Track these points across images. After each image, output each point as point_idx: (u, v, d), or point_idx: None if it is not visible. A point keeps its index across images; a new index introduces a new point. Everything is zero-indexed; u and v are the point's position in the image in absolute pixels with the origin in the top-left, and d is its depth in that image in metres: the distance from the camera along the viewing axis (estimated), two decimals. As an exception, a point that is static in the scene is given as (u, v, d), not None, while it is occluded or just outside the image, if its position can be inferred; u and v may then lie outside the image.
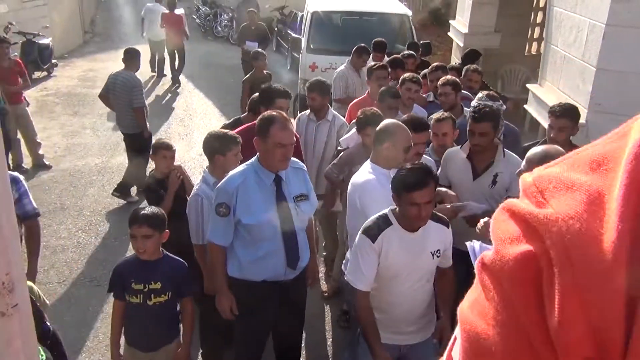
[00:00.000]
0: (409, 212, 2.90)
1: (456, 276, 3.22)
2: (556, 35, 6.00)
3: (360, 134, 4.35)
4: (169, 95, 12.02)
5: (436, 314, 3.32)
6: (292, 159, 3.44)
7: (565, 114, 4.09)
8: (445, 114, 4.41)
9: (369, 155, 4.18)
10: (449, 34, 11.79)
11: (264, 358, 3.71)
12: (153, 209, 3.31)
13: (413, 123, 3.95)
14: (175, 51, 12.47)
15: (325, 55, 9.09)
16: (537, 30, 11.06)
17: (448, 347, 0.64)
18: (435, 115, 4.40)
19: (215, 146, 3.78)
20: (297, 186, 3.46)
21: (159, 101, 11.47)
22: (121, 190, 7.02)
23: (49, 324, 3.10)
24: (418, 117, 4.20)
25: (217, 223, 3.33)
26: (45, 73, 12.73)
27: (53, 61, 13.04)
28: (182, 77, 13.17)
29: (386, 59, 7.46)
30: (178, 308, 3.40)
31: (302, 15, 11.72)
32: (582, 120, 5.13)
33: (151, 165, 5.17)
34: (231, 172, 3.38)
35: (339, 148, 4.79)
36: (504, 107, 5.11)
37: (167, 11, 12.10)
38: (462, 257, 3.13)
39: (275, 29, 15.93)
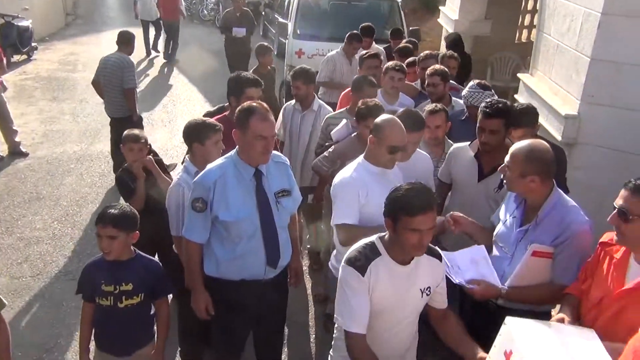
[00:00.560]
0: (408, 240, 2.42)
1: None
2: (549, 23, 5.84)
3: (360, 125, 4.17)
4: (152, 80, 11.74)
5: None
6: (274, 152, 3.26)
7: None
8: (439, 105, 4.22)
9: (363, 149, 4.02)
10: (438, 20, 11.60)
11: (244, 356, 3.56)
12: (124, 208, 3.10)
13: (408, 120, 3.76)
14: (170, 31, 12.79)
15: (311, 41, 8.87)
16: (527, 17, 10.93)
17: None
18: (428, 107, 4.18)
19: (193, 134, 3.64)
20: (278, 181, 3.29)
21: (141, 86, 11.18)
22: None
23: None
24: (415, 113, 4.00)
25: (193, 219, 3.15)
26: (24, 56, 12.42)
27: (33, 44, 12.71)
28: (165, 63, 12.90)
29: (375, 46, 7.32)
30: (153, 310, 3.22)
31: (289, 0, 11.46)
32: (574, 112, 5.01)
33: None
34: (209, 165, 3.20)
35: (328, 142, 4.60)
36: (495, 97, 4.96)
37: None
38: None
39: (262, 13, 15.65)
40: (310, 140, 5.09)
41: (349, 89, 5.58)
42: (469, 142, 3.77)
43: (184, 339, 4.10)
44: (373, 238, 2.60)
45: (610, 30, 4.71)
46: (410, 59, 6.11)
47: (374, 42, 7.44)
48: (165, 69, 12.47)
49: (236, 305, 3.27)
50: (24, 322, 4.59)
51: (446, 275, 2.79)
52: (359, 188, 3.20)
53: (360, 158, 3.35)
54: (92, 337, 3.24)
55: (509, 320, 2.32)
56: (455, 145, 3.89)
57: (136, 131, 4.29)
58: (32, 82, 11.10)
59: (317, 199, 4.87)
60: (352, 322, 2.50)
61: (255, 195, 3.17)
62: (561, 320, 2.52)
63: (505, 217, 3.06)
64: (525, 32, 11.08)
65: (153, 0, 13.00)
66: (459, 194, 3.75)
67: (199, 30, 15.79)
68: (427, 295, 2.64)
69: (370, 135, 3.27)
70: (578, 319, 2.58)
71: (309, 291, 5.09)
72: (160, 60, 13.18)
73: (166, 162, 6.36)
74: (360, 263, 2.49)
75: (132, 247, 3.15)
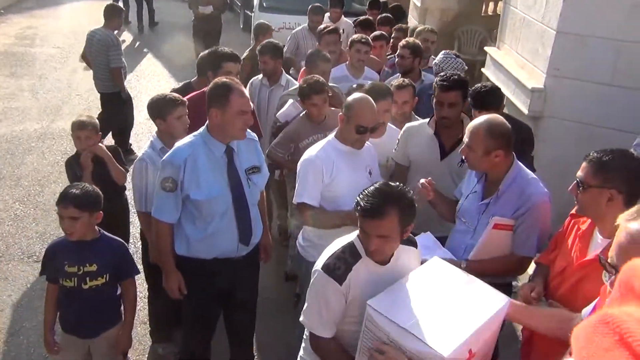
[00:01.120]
0: (363, 242, 2.33)
1: None
2: (515, -4, 5.84)
3: (306, 104, 4.12)
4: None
5: None
6: None
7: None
8: (406, 80, 4.19)
9: (314, 127, 3.98)
10: (406, -7, 11.52)
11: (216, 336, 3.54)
12: (86, 187, 3.01)
13: (373, 90, 3.73)
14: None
15: (278, 14, 8.74)
16: (494, -10, 10.93)
17: None
18: (395, 82, 4.11)
19: (155, 110, 3.60)
20: (248, 158, 3.24)
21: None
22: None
23: None
24: (379, 83, 3.96)
25: (162, 199, 3.06)
26: (-22, 30, 11.93)
27: (-13, 17, 12.21)
28: (129, 37, 12.55)
29: (344, 19, 7.22)
30: (119, 291, 3.16)
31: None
32: (540, 85, 5.04)
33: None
34: (177, 144, 3.10)
35: (277, 124, 4.52)
36: (466, 68, 4.96)
37: None
38: None
39: (227, -15, 15.33)
40: None
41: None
42: (425, 120, 3.70)
43: (154, 319, 4.07)
44: (352, 237, 2.43)
45: (576, 3, 4.73)
46: (377, 32, 6.06)
47: (343, 16, 7.34)
48: (129, 44, 12.13)
49: (208, 284, 3.24)
50: (-14, 306, 4.48)
51: None
52: (324, 167, 3.16)
53: (331, 135, 3.31)
54: (57, 319, 3.18)
55: (435, 260, 2.50)
56: (409, 124, 3.79)
57: (84, 117, 4.06)
58: (-12, 57, 10.69)
59: (283, 175, 4.83)
60: (321, 329, 2.40)
61: (226, 172, 3.11)
62: (532, 288, 2.58)
63: (467, 191, 3.09)
64: (491, 5, 11.09)
65: None
66: (420, 174, 3.56)
67: (162, 4, 15.35)
68: None
69: (340, 113, 3.24)
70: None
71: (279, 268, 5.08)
72: (124, 35, 12.81)
73: (133, 142, 6.24)
74: (340, 272, 2.32)
75: (96, 227, 3.07)
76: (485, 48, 6.65)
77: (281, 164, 4.38)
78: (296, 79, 5.30)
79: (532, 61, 5.31)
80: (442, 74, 3.63)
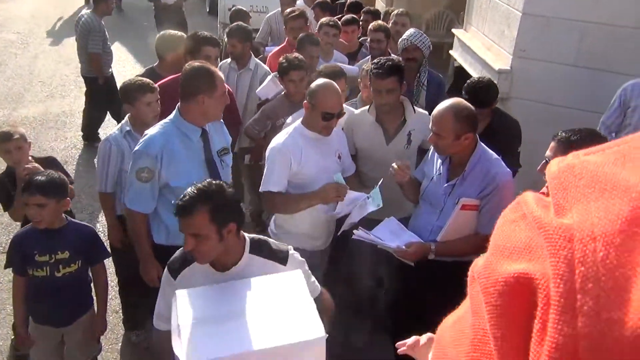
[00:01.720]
0: None
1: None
2: (482, -22, 5.88)
3: (284, 80, 4.11)
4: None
5: None
6: None
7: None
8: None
9: (292, 106, 3.95)
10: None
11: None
12: (52, 175, 2.95)
13: (327, 71, 3.73)
14: None
15: (244, -3, 8.61)
16: (460, -27, 10.98)
17: None
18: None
19: (124, 95, 3.57)
20: (219, 139, 3.27)
21: (66, 47, 10.60)
22: (88, 136, 6.92)
23: None
24: (332, 65, 3.94)
25: (138, 189, 3.00)
26: None
27: (-59, 2, 11.76)
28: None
29: (299, 2, 7.15)
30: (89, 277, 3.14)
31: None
32: (506, 66, 5.11)
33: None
34: (150, 133, 3.03)
35: (258, 102, 4.51)
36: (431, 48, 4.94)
37: None
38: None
39: (192, -32, 15.03)
40: (248, 99, 4.97)
41: (277, 48, 5.48)
42: (365, 108, 3.67)
43: (126, 307, 4.03)
44: None
45: (541, -15, 4.79)
46: (349, 16, 6.02)
47: None
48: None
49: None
50: (-48, 299, 4.37)
51: (383, 246, 2.90)
52: (291, 154, 3.15)
53: (298, 122, 3.29)
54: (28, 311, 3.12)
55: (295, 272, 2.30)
56: (351, 114, 3.70)
57: (7, 128, 3.67)
58: (-56, 43, 10.32)
59: (254, 159, 4.81)
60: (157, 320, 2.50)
61: (204, 156, 3.12)
62: None
63: (430, 173, 3.12)
64: (458, -12, 11.17)
65: None
66: (368, 160, 3.61)
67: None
68: None
69: (305, 101, 3.22)
70: None
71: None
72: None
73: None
74: (175, 267, 2.42)
75: (63, 214, 3.02)
76: (453, 30, 6.70)
77: (255, 140, 4.38)
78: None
79: (499, 43, 5.37)
80: (375, 61, 3.56)
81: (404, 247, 2.92)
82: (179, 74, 4.02)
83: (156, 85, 3.70)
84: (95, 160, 3.55)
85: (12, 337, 3.74)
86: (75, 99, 8.06)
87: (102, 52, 6.62)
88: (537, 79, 4.97)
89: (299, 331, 1.95)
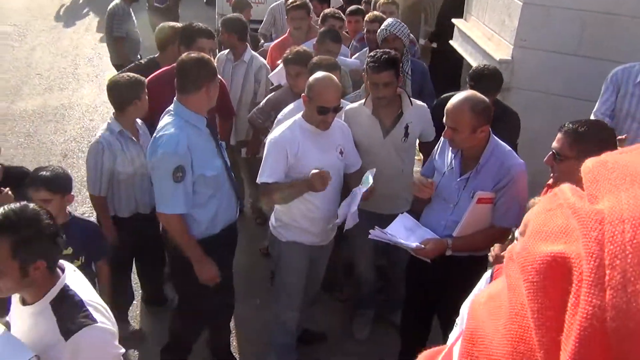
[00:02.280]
0: None
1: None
2: (482, -33, 5.85)
3: (287, 72, 4.10)
4: (75, 32, 11.07)
5: None
6: None
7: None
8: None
9: (296, 98, 3.93)
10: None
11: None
12: (56, 169, 2.94)
13: (323, 63, 3.71)
14: None
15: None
16: (459, -39, 10.90)
17: (451, 342, 0.62)
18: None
19: (131, 93, 3.51)
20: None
21: (63, 39, 10.54)
22: None
23: None
24: (325, 57, 3.92)
25: (174, 191, 2.94)
26: None
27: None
28: (89, 13, 12.20)
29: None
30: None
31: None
32: (507, 56, 5.09)
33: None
34: (166, 132, 2.96)
35: (271, 87, 4.51)
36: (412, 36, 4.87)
37: None
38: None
39: (189, -42, 14.93)
40: (243, 92, 4.92)
41: (278, 39, 5.45)
42: (361, 101, 3.64)
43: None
44: None
45: (541, -26, 4.76)
46: (354, 6, 5.99)
47: None
48: (89, 20, 11.77)
49: (224, 259, 3.28)
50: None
51: (400, 245, 2.90)
52: (288, 146, 3.14)
53: (299, 115, 3.28)
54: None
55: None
56: (348, 107, 3.66)
57: None
58: (-60, 36, 10.27)
59: (250, 152, 4.80)
60: None
61: (214, 143, 3.17)
62: (503, 249, 2.61)
63: (442, 167, 3.10)
64: (457, -23, 11.09)
65: None
66: (366, 153, 3.57)
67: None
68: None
69: (303, 94, 3.20)
70: None
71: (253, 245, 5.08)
72: (85, 5, 12.43)
73: (96, 119, 6.05)
74: None
75: (67, 210, 3.02)
76: (453, 20, 6.65)
77: (257, 129, 4.39)
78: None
79: (499, 33, 5.34)
80: (371, 54, 3.52)
81: (422, 245, 2.89)
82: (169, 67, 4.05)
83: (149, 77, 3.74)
84: (87, 161, 3.50)
85: None
86: (74, 92, 8.03)
87: (127, 37, 6.63)
88: (538, 69, 4.94)
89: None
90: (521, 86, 5.06)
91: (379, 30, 4.49)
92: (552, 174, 2.61)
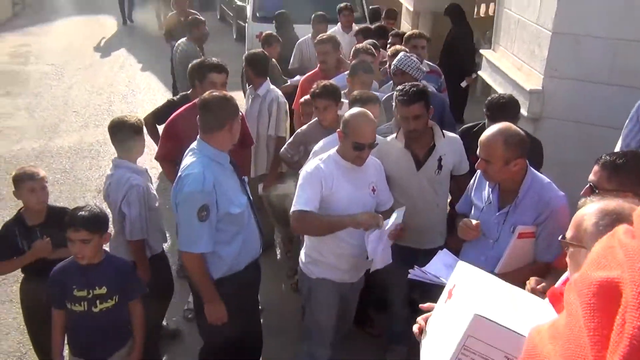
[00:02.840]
0: None
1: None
2: (509, -2, 5.86)
3: (314, 105, 4.14)
4: (110, 70, 11.40)
5: None
6: None
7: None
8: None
9: (325, 132, 3.95)
10: (397, -3, 11.55)
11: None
12: (93, 209, 2.98)
13: (363, 96, 3.73)
14: None
15: (272, 23, 8.71)
16: (485, -8, 10.96)
17: None
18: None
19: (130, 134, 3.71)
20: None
21: (99, 77, 10.87)
22: None
23: None
24: (366, 92, 3.94)
25: (199, 230, 2.94)
26: (-29, 50, 11.93)
27: (-20, 37, 12.21)
28: (123, 51, 12.57)
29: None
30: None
31: (246, -18, 11.23)
32: (538, 86, 5.05)
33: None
34: (192, 171, 2.96)
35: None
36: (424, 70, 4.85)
37: None
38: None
39: (219, -4, 15.35)
40: (259, 125, 4.97)
41: (309, 73, 5.52)
42: (393, 135, 3.63)
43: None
44: None
45: (570, 3, 4.74)
46: (370, 41, 6.02)
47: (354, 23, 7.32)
48: (123, 58, 12.13)
49: (247, 295, 3.29)
50: (-8, 330, 4.45)
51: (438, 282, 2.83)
52: (323, 178, 3.13)
53: (334, 150, 3.28)
54: (66, 343, 3.15)
55: (460, 264, 2.22)
56: (380, 141, 3.55)
57: (28, 167, 3.53)
58: (-18, 77, 10.69)
59: (265, 186, 4.84)
60: None
61: (237, 179, 3.20)
62: (539, 282, 2.50)
63: (480, 202, 3.05)
64: (483, 7, 11.14)
65: None
66: (399, 187, 3.54)
67: (152, 16, 15.38)
68: None
69: (339, 129, 3.21)
70: None
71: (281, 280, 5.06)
72: (120, 50, 12.82)
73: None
74: None
75: (103, 248, 3.06)
76: (481, 51, 6.66)
77: (288, 164, 4.41)
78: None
79: (529, 63, 5.32)
80: (400, 87, 3.52)
81: None
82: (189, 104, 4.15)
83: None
84: (127, 206, 3.45)
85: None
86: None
87: None
88: (569, 98, 4.89)
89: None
90: (553, 116, 5.01)
91: (392, 64, 4.55)
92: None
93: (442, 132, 3.54)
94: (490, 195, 2.97)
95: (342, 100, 4.09)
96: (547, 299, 2.05)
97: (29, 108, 9.18)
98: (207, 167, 2.98)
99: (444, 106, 4.57)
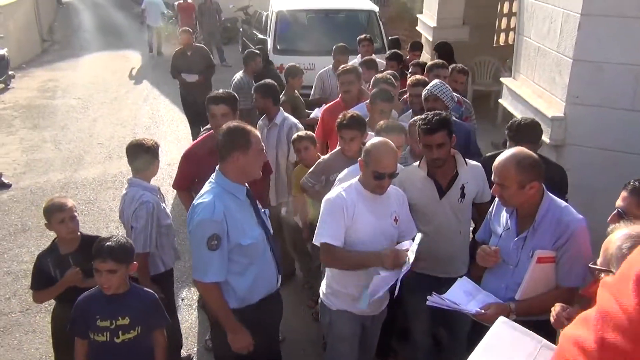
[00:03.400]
0: None
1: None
2: (529, 26, 5.87)
3: (339, 136, 4.15)
4: (134, 103, 11.63)
5: None
6: None
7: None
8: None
9: (347, 162, 3.96)
10: (417, 28, 11.66)
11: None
12: (119, 240, 2.99)
13: (390, 126, 3.73)
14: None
15: (292, 55, 8.85)
16: (504, 20, 11.03)
17: None
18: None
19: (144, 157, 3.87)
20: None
21: (123, 110, 11.09)
22: None
23: None
24: (392, 122, 3.95)
25: (209, 259, 2.93)
26: (1, 85, 12.28)
27: (10, 72, 12.61)
28: (147, 84, 12.82)
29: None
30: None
31: (267, 15, 11.46)
32: (560, 113, 5.02)
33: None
34: (204, 200, 2.99)
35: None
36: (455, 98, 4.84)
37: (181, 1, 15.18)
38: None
39: (240, 29, 15.64)
40: (278, 154, 5.04)
41: (330, 103, 5.56)
42: (416, 163, 3.62)
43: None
44: None
45: (590, 31, 4.73)
46: (390, 72, 6.05)
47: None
48: (147, 91, 12.38)
49: (257, 328, 3.18)
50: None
51: (460, 311, 2.79)
52: (345, 208, 3.11)
53: (356, 179, 3.27)
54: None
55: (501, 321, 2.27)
56: (403, 169, 3.61)
57: (58, 198, 3.57)
58: (11, 111, 10.97)
59: (296, 212, 4.84)
60: None
61: (254, 212, 3.16)
62: (564, 309, 2.47)
63: (498, 229, 3.02)
64: (502, 36, 11.19)
65: (158, 9, 15.21)
66: (422, 215, 3.51)
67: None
68: None
69: (360, 158, 3.22)
70: None
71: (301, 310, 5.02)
72: (142, 78, 13.09)
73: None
74: None
75: (127, 279, 3.07)
76: (502, 79, 6.65)
77: (308, 193, 4.41)
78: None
79: (550, 90, 5.29)
80: (422, 116, 3.53)
81: (482, 310, 2.78)
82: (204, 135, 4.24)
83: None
84: (135, 220, 3.70)
85: None
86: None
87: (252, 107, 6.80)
88: (592, 125, 4.85)
89: None
90: (576, 143, 4.96)
91: (424, 90, 4.55)
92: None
93: (465, 160, 3.53)
94: (508, 221, 2.94)
95: (367, 132, 4.09)
96: None
97: (55, 140, 9.39)
98: (218, 197, 2.98)
99: (469, 135, 4.56)
